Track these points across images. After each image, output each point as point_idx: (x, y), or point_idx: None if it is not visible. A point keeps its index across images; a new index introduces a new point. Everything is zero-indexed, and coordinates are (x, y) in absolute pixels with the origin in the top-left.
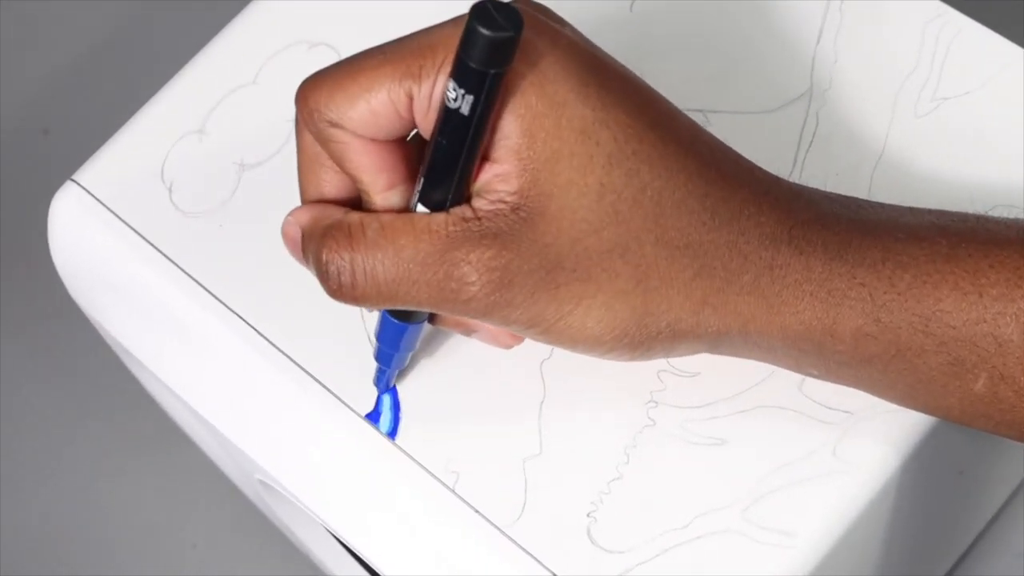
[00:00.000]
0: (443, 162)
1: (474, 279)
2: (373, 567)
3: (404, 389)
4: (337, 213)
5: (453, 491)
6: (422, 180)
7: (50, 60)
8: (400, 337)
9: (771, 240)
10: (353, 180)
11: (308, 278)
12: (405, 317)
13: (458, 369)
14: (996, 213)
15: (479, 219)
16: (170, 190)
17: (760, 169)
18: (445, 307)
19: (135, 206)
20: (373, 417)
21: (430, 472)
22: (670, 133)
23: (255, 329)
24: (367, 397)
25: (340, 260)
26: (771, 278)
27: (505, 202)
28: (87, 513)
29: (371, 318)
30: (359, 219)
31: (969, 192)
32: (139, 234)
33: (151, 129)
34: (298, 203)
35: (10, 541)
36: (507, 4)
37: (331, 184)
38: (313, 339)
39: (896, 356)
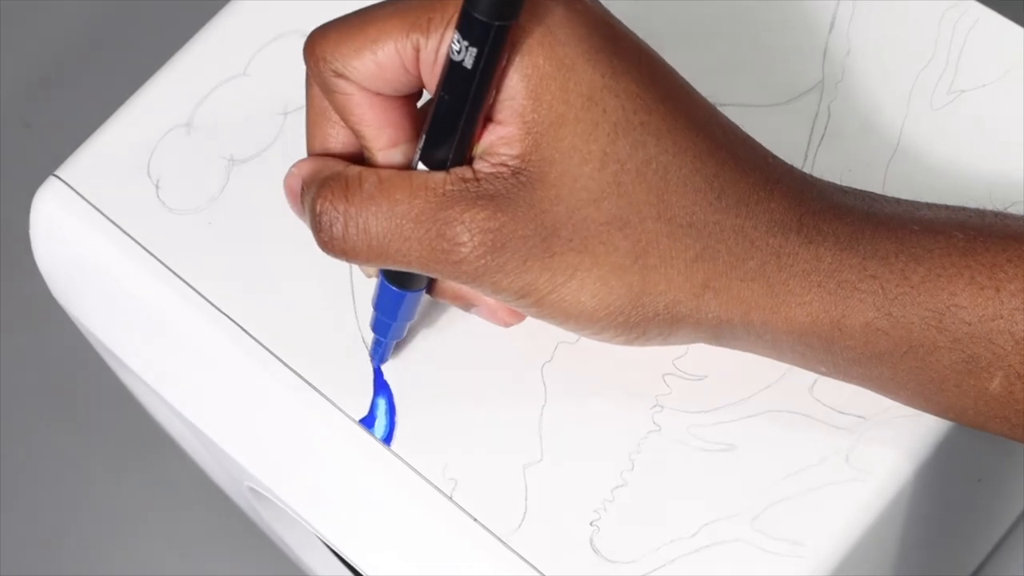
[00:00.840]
0: (445, 119)
1: (465, 239)
2: None
3: (400, 393)
4: (338, 166)
5: (451, 499)
6: (424, 138)
7: (32, 51)
8: (398, 305)
9: (780, 227)
10: (356, 134)
11: (301, 279)
12: (403, 284)
13: (456, 372)
14: (1015, 210)
15: (478, 180)
16: (157, 186)
17: (775, 157)
18: (435, 268)
19: (121, 203)
20: (368, 422)
21: (427, 479)
22: (681, 108)
23: (246, 331)
24: (362, 402)
25: (334, 211)
26: (778, 266)
27: (506, 165)
28: (74, 520)
29: (366, 318)
30: (358, 172)
31: (987, 187)
32: (125, 232)
33: (137, 122)
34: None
35: (15, 552)
36: None
37: (336, 139)
38: (306, 342)
39: (908, 353)
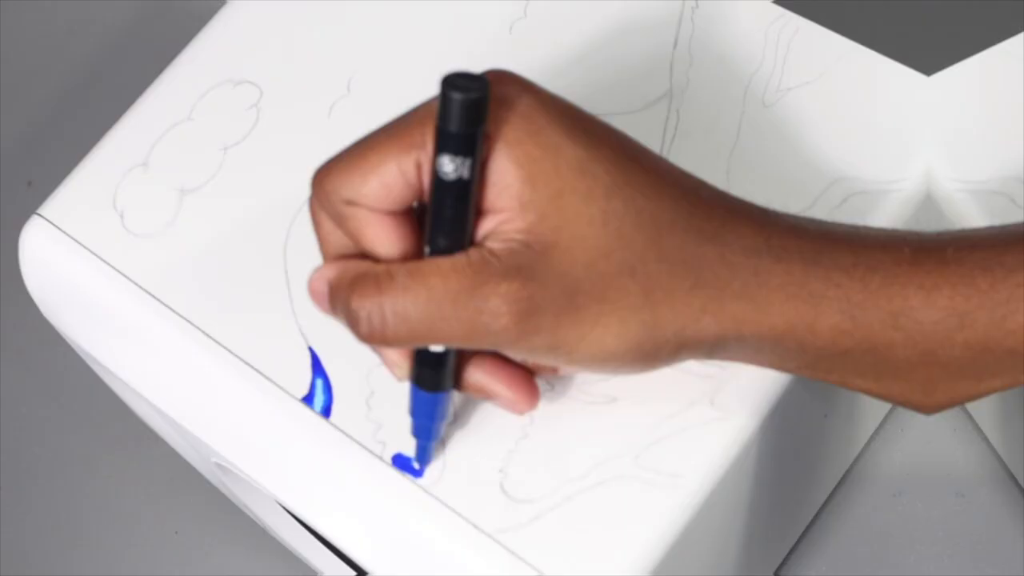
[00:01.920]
0: (449, 219)
1: (504, 310)
2: (322, 535)
3: (334, 372)
4: (362, 265)
5: (381, 458)
6: (430, 235)
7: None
8: (434, 408)
9: (753, 251)
10: (369, 253)
11: (244, 284)
12: (435, 387)
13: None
14: (836, 186)
15: (497, 256)
16: (122, 216)
17: (730, 195)
18: (475, 340)
19: (92, 232)
20: (308, 399)
21: (361, 444)
22: (648, 165)
23: (201, 331)
24: (302, 382)
25: (370, 305)
26: (757, 283)
27: (516, 240)
28: (74, 509)
29: (301, 312)
30: (385, 267)
31: (816, 168)
32: (97, 256)
33: (102, 165)
34: (234, 217)
35: (11, 539)
36: (469, 73)
37: (349, 248)
38: (252, 335)
39: (868, 350)
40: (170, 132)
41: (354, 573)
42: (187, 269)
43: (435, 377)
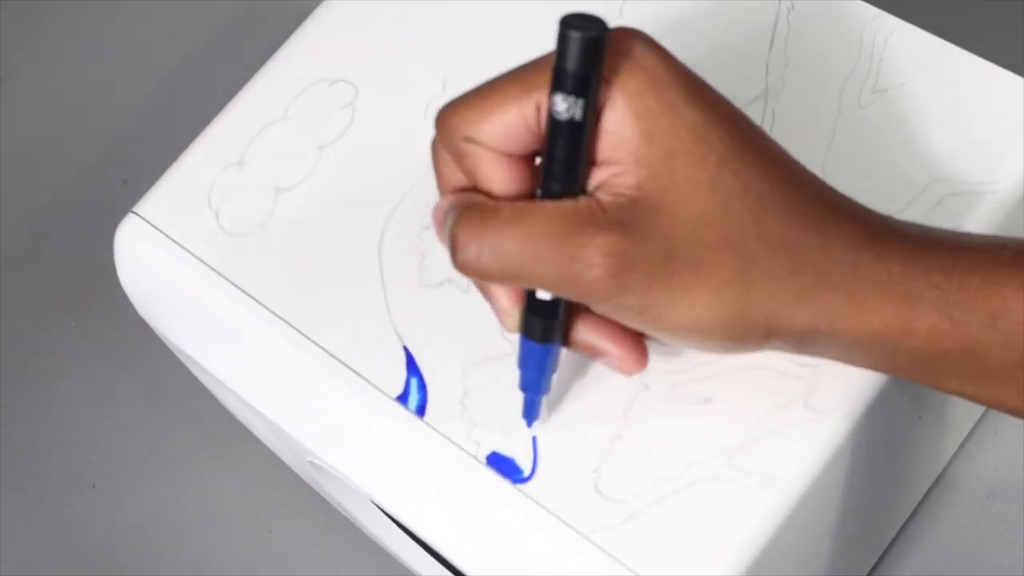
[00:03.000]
0: (562, 163)
1: (598, 261)
2: (415, 534)
3: (428, 371)
4: (477, 197)
5: (475, 458)
6: (543, 178)
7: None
8: (543, 360)
9: (854, 245)
10: (484, 192)
11: (339, 283)
12: (544, 338)
13: (473, 352)
14: (932, 187)
15: (603, 208)
16: (217, 215)
17: (834, 189)
18: (566, 288)
19: (187, 230)
20: (403, 399)
21: (455, 443)
22: (762, 145)
23: (296, 329)
24: (397, 382)
25: (470, 235)
26: (855, 277)
27: (625, 195)
28: (168, 508)
29: (397, 314)
30: (494, 202)
31: (911, 169)
32: (192, 254)
33: (198, 164)
34: (329, 216)
35: (108, 538)
36: (588, 14)
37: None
38: (348, 335)
39: (965, 352)
40: (265, 131)
41: (448, 572)
42: (281, 268)
43: (544, 328)
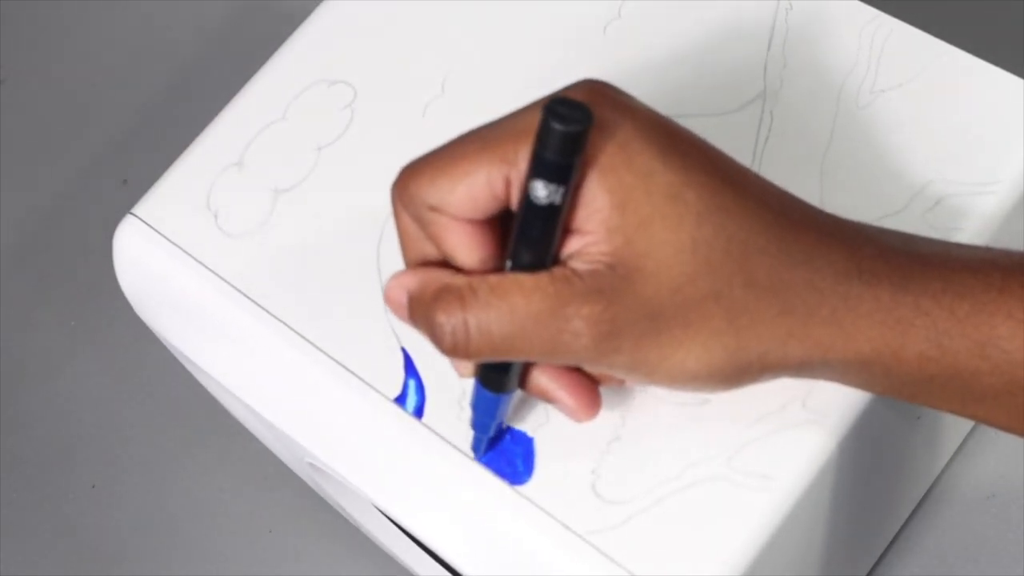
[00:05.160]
0: (535, 239)
1: (584, 331)
2: (413, 534)
3: (426, 372)
4: (444, 276)
5: (473, 459)
6: (513, 249)
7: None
8: (495, 407)
9: (843, 276)
10: (449, 259)
11: (338, 284)
12: (499, 389)
13: None
14: (930, 188)
15: (580, 277)
16: (216, 216)
17: (822, 212)
18: (555, 357)
19: (186, 231)
20: (401, 400)
21: (453, 445)
22: (744, 189)
23: (294, 331)
24: (395, 383)
25: (454, 320)
26: (846, 309)
27: (601, 262)
28: (168, 508)
29: (395, 318)
30: (467, 281)
31: (909, 170)
32: (191, 255)
33: (197, 164)
34: (328, 217)
35: (108, 538)
36: (572, 101)
37: (433, 253)
38: (346, 337)
39: (955, 376)
40: (264, 132)
41: (446, 573)
42: (280, 269)
43: (500, 380)
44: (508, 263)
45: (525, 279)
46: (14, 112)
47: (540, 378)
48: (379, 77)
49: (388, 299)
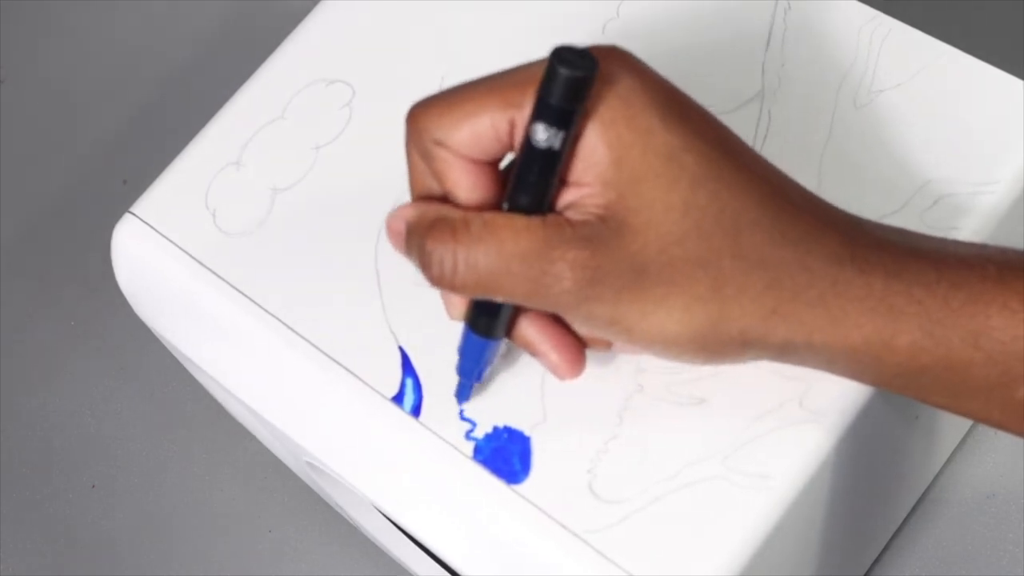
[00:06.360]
0: (532, 183)
1: (567, 275)
2: (411, 534)
3: (424, 371)
4: (442, 209)
5: (471, 458)
6: (511, 192)
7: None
8: (482, 352)
9: (836, 259)
10: (449, 195)
11: (335, 283)
12: (487, 333)
13: None
14: (928, 188)
15: (572, 225)
16: (214, 215)
17: (822, 200)
18: (536, 300)
19: (184, 230)
20: (398, 399)
21: (450, 443)
22: (743, 162)
23: (292, 329)
24: (392, 383)
25: (443, 250)
26: (835, 293)
27: (593, 214)
28: (167, 507)
29: (393, 315)
30: (463, 215)
31: (908, 169)
32: (189, 254)
33: (195, 163)
34: (326, 216)
35: (108, 538)
36: (581, 48)
37: (436, 189)
38: (343, 336)
39: (947, 368)
40: (263, 131)
41: (444, 572)
42: (278, 267)
43: (490, 324)
44: (505, 205)
45: (518, 219)
46: (14, 112)
47: (528, 329)
48: (377, 76)
49: (389, 229)
